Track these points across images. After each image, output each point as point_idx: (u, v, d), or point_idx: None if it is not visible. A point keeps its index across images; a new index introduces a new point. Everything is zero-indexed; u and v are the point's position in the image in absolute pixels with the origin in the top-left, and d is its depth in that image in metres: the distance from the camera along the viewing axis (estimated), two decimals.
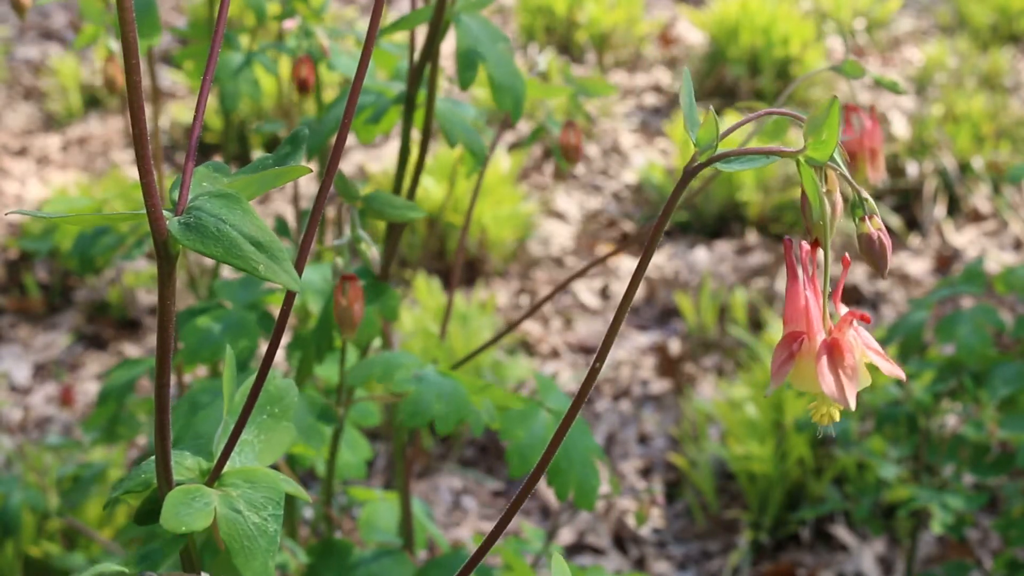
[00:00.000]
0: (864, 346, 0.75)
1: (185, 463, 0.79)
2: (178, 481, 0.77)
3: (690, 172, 0.73)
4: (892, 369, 0.75)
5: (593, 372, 0.73)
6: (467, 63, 1.27)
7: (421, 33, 1.36)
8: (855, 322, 0.75)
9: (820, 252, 0.77)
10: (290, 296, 0.71)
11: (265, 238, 0.63)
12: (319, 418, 1.32)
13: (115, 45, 1.67)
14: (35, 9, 5.33)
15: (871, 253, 0.75)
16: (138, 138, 0.59)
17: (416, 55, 1.35)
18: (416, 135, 1.40)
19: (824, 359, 0.74)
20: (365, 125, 1.35)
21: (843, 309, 0.76)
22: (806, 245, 0.75)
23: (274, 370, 1.55)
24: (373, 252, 1.23)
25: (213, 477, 0.77)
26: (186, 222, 0.66)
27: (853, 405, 0.73)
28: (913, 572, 2.33)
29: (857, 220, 0.76)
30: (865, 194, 0.74)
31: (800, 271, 0.76)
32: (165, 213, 0.66)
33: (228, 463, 0.77)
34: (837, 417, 0.76)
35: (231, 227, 0.64)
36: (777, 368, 0.75)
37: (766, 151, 0.72)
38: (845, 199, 0.77)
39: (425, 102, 1.34)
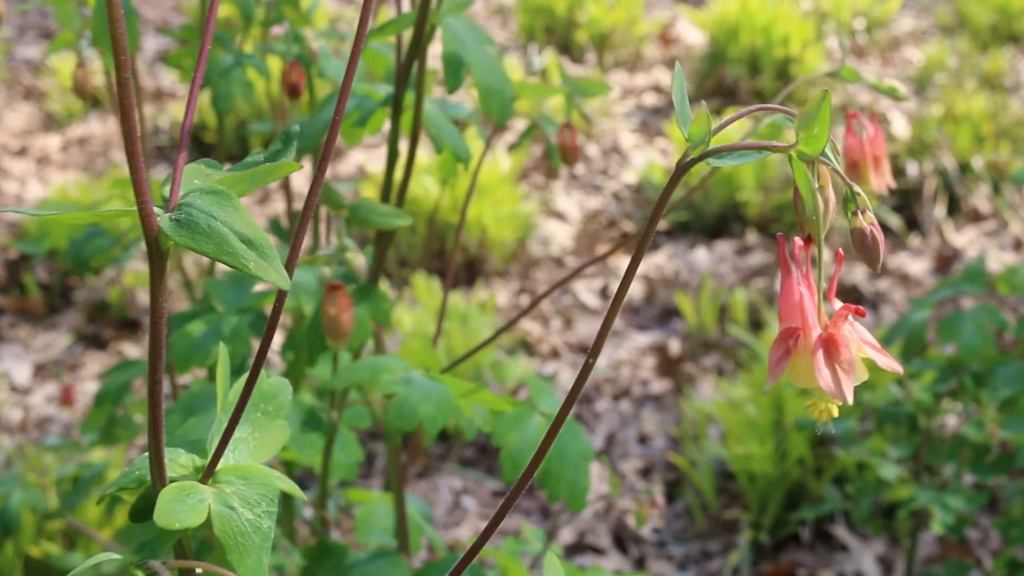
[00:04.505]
0: (860, 340, 0.74)
1: (179, 460, 0.79)
2: (172, 478, 0.77)
3: (683, 167, 0.73)
4: (889, 363, 0.74)
5: (586, 369, 0.73)
6: (453, 68, 1.25)
7: (410, 36, 1.35)
8: (850, 316, 0.74)
9: (816, 248, 0.76)
10: (281, 295, 0.71)
11: (255, 235, 0.63)
12: (308, 426, 1.32)
13: (87, 50, 1.67)
14: (35, 9, 5.33)
15: (864, 248, 0.75)
16: (128, 135, 0.59)
17: (404, 58, 1.33)
18: (406, 138, 1.39)
19: (820, 354, 0.73)
20: (352, 128, 1.34)
21: (838, 304, 0.76)
22: (799, 241, 0.75)
23: (273, 370, 1.55)
24: (359, 260, 1.22)
25: (207, 474, 0.77)
26: (177, 219, 0.66)
27: (851, 400, 0.72)
28: (913, 572, 2.32)
29: (849, 215, 0.75)
30: (857, 188, 0.74)
31: (794, 267, 0.75)
32: (156, 210, 0.66)
33: (222, 460, 0.77)
34: (836, 413, 0.76)
35: (222, 224, 0.64)
36: (774, 364, 0.74)
37: (758, 146, 0.71)
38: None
39: (413, 106, 1.32)
